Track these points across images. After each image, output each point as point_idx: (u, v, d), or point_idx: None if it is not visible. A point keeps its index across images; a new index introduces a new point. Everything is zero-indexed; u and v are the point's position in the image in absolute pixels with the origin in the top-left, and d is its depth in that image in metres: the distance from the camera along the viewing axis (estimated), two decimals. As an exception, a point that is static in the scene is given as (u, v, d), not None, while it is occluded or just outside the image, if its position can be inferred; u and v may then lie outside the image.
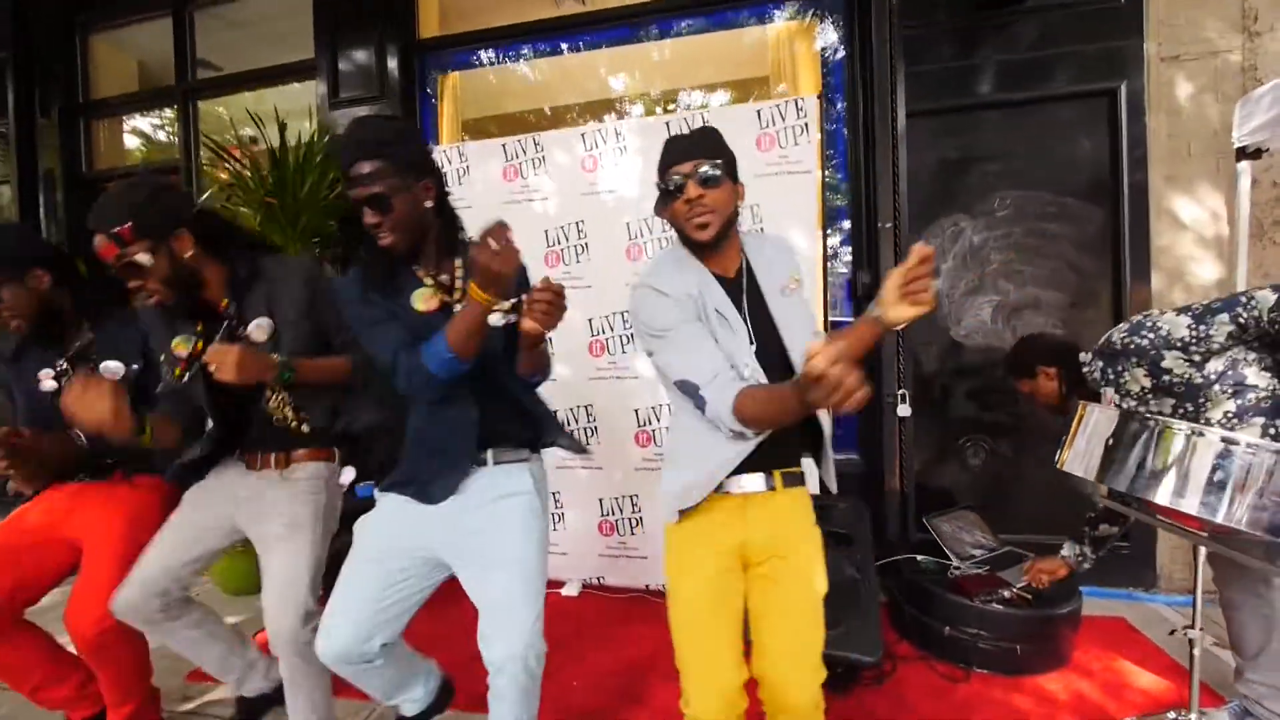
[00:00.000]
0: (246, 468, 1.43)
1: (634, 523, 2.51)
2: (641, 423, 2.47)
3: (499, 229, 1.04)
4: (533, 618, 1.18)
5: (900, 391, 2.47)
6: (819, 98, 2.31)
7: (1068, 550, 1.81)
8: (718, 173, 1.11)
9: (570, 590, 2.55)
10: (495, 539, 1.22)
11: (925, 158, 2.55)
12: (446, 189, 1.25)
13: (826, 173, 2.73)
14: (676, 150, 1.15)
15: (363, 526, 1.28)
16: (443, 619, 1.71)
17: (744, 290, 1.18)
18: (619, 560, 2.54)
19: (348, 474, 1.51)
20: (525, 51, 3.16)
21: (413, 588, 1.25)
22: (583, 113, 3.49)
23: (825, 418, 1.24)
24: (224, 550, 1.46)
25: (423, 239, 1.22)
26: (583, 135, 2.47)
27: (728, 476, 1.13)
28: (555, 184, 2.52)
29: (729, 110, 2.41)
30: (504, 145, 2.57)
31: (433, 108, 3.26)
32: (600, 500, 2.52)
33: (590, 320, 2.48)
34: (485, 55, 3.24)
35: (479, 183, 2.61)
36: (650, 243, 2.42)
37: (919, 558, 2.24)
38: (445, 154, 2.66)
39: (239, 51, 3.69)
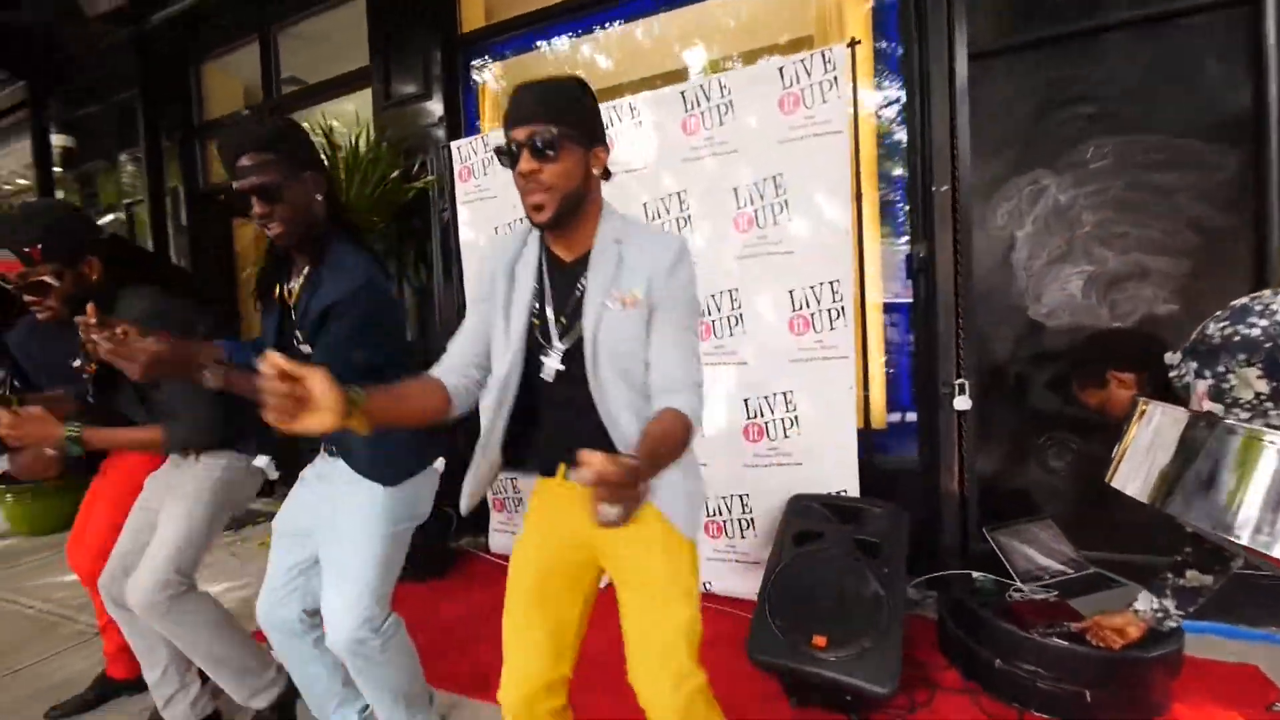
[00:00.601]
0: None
1: (744, 524, 2.31)
2: (752, 414, 2.28)
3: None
4: (356, 603, 1.23)
5: (959, 381, 2.14)
6: (849, 45, 2.01)
7: (1142, 604, 1.45)
8: (554, 141, 0.92)
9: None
10: (335, 521, 1.30)
11: (995, 106, 2.15)
12: (334, 190, 1.29)
13: (881, 130, 2.41)
14: (514, 108, 0.96)
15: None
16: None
17: (574, 284, 1.02)
18: (728, 564, 2.33)
19: (261, 460, 1.57)
20: (562, 34, 3.10)
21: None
22: (621, 91, 3.37)
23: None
24: None
25: (309, 237, 1.24)
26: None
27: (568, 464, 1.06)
28: (573, 167, 2.44)
29: (748, 71, 2.17)
30: (524, 131, 2.53)
31: (477, 101, 3.32)
32: (706, 499, 2.41)
33: (609, 307, 2.39)
34: (525, 41, 3.22)
35: (501, 172, 2.60)
36: (669, 224, 2.27)
37: (975, 575, 1.94)
38: (471, 144, 2.69)
39: (321, 65, 3.99)
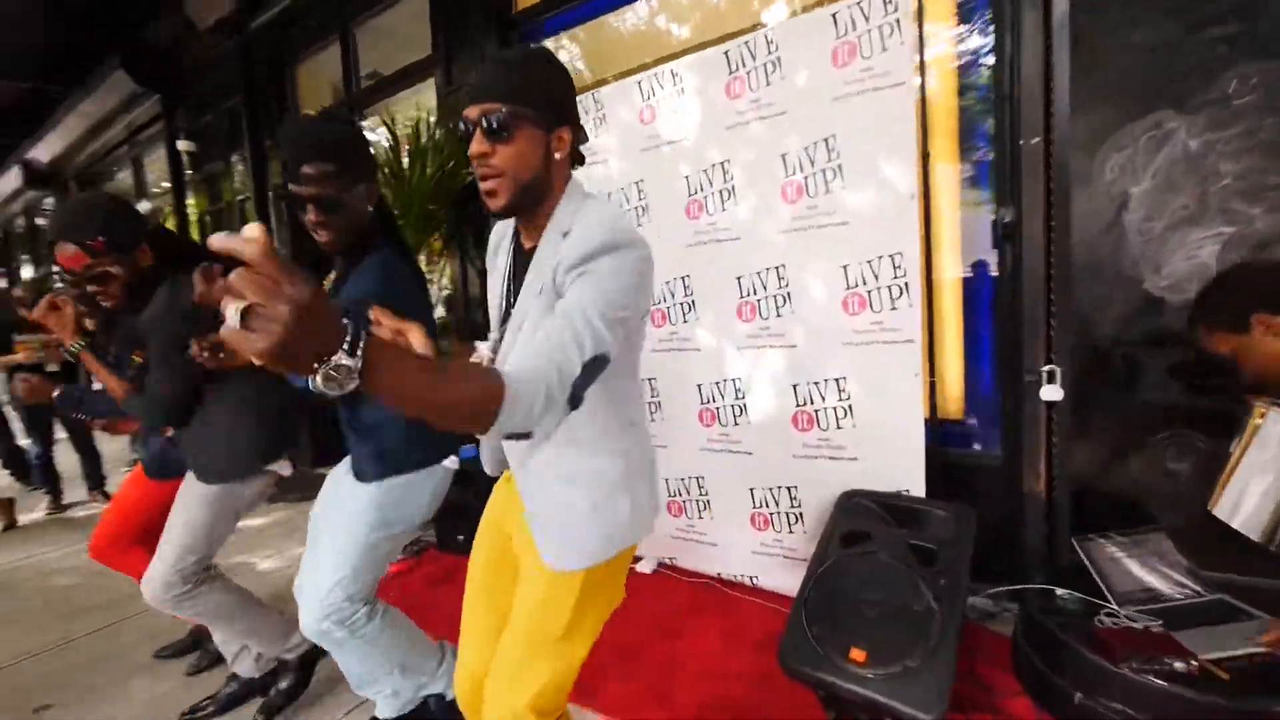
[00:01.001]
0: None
1: (701, 505, 2.32)
2: (704, 399, 2.24)
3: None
4: (325, 596, 1.26)
5: (1048, 368, 1.84)
6: (914, -20, 1.75)
7: None
8: (507, 122, 0.84)
9: (644, 567, 2.47)
10: (327, 512, 1.37)
11: (1103, 37, 1.78)
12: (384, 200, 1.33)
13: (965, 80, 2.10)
14: (471, 84, 0.87)
15: None
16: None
17: (524, 268, 0.95)
18: (689, 543, 2.38)
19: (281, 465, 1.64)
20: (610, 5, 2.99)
21: None
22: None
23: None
24: None
25: (357, 241, 1.29)
26: (639, 83, 2.24)
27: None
28: (617, 142, 2.35)
29: (796, 23, 1.95)
30: (567, 108, 2.47)
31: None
32: (667, 480, 2.37)
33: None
34: (583, 13, 3.14)
35: (548, 151, 2.56)
36: (711, 196, 2.12)
37: (1059, 591, 1.68)
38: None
39: (396, 57, 4.15)
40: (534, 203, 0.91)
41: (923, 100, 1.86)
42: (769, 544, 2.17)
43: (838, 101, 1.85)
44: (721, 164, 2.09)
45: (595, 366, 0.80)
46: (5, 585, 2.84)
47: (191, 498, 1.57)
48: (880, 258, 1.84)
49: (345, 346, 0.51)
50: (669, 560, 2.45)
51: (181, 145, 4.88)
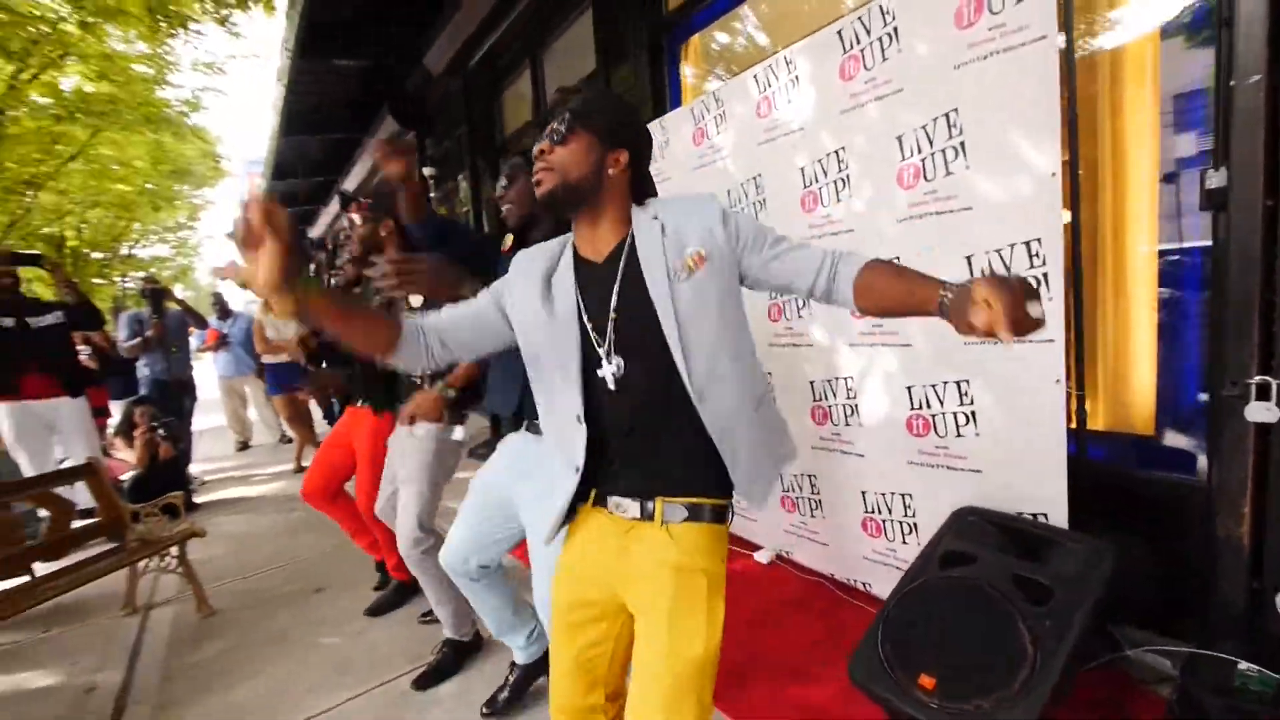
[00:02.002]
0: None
1: (813, 504, 2.27)
2: (817, 396, 2.17)
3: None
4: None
5: (1259, 379, 1.41)
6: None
7: None
8: (566, 128, 0.96)
9: (762, 557, 2.52)
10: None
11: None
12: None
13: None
14: (551, 103, 1.04)
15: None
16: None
17: (614, 281, 0.97)
18: (802, 540, 2.35)
19: (458, 432, 1.96)
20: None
21: (497, 523, 1.57)
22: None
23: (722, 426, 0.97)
24: None
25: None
26: (754, 76, 2.22)
27: (607, 489, 1.02)
28: (734, 138, 2.37)
29: (912, -14, 1.74)
30: (691, 109, 2.55)
31: (679, 80, 3.42)
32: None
33: (765, 282, 2.29)
34: (726, 4, 3.15)
35: (677, 152, 2.68)
36: (826, 187, 2.03)
37: (1241, 665, 1.32)
38: (653, 131, 2.81)
39: (576, 73, 4.63)
40: (576, 203, 0.97)
41: (1069, 49, 1.53)
42: (881, 552, 2.05)
43: (961, 69, 1.63)
44: (836, 152, 1.98)
45: None
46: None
47: (419, 460, 1.91)
48: (1012, 246, 1.59)
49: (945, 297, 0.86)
50: (786, 553, 2.46)
51: (427, 171, 6.10)
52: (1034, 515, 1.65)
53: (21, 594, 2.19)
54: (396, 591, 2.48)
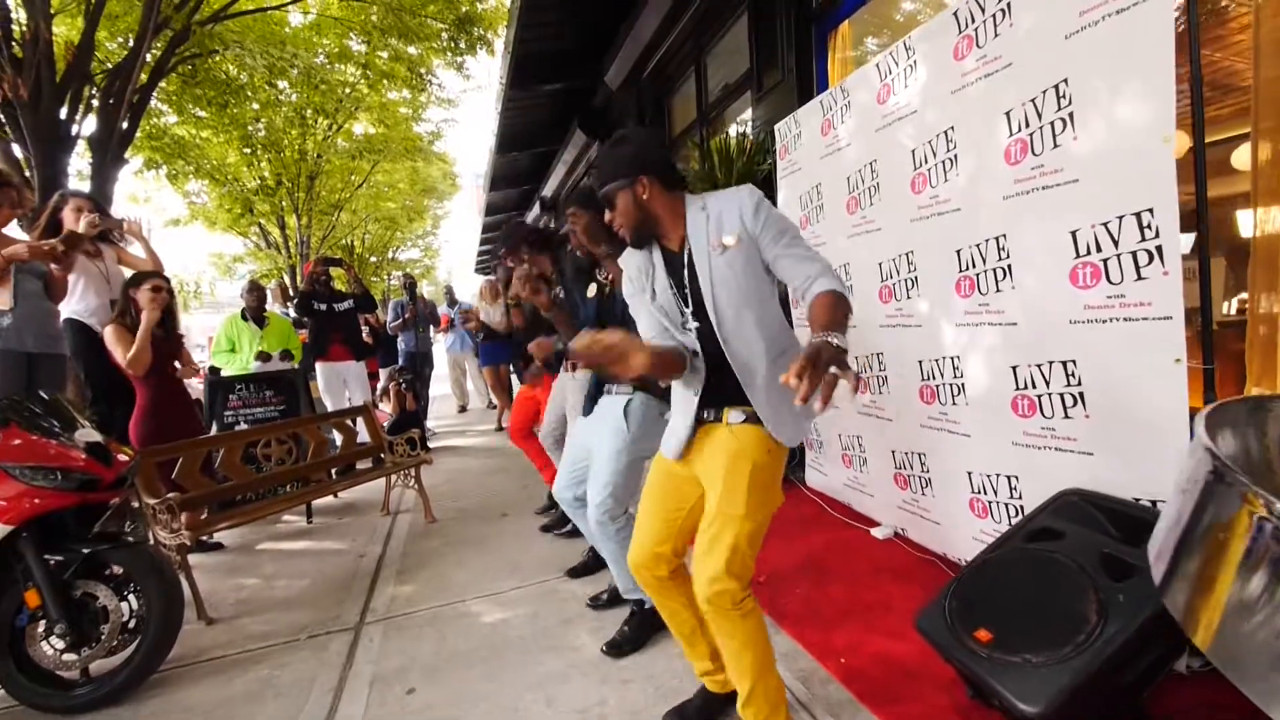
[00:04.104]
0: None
1: (924, 482, 2.30)
2: (925, 376, 2.20)
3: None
4: (603, 489, 1.82)
5: None
6: None
7: None
8: (608, 198, 1.33)
9: (879, 533, 2.59)
10: (597, 441, 1.92)
11: None
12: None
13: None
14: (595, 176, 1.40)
15: None
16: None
17: (684, 263, 1.33)
18: (915, 517, 2.39)
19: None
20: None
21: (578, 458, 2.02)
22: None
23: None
24: None
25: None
26: (877, 65, 2.30)
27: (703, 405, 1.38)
28: (853, 127, 2.46)
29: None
30: (820, 101, 2.68)
31: (827, 73, 3.49)
32: (892, 452, 2.43)
33: (880, 264, 2.36)
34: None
35: (808, 143, 2.83)
36: (934, 168, 2.07)
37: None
38: (788, 124, 2.99)
39: (738, 72, 4.89)
40: (650, 228, 1.35)
41: (1192, 7, 1.41)
42: (989, 533, 2.03)
43: (1071, 39, 1.59)
44: (945, 132, 2.01)
45: None
46: (506, 455, 4.99)
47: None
48: (1121, 218, 1.53)
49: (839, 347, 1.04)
50: (901, 530, 2.50)
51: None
52: (1152, 502, 1.57)
53: (323, 488, 3.26)
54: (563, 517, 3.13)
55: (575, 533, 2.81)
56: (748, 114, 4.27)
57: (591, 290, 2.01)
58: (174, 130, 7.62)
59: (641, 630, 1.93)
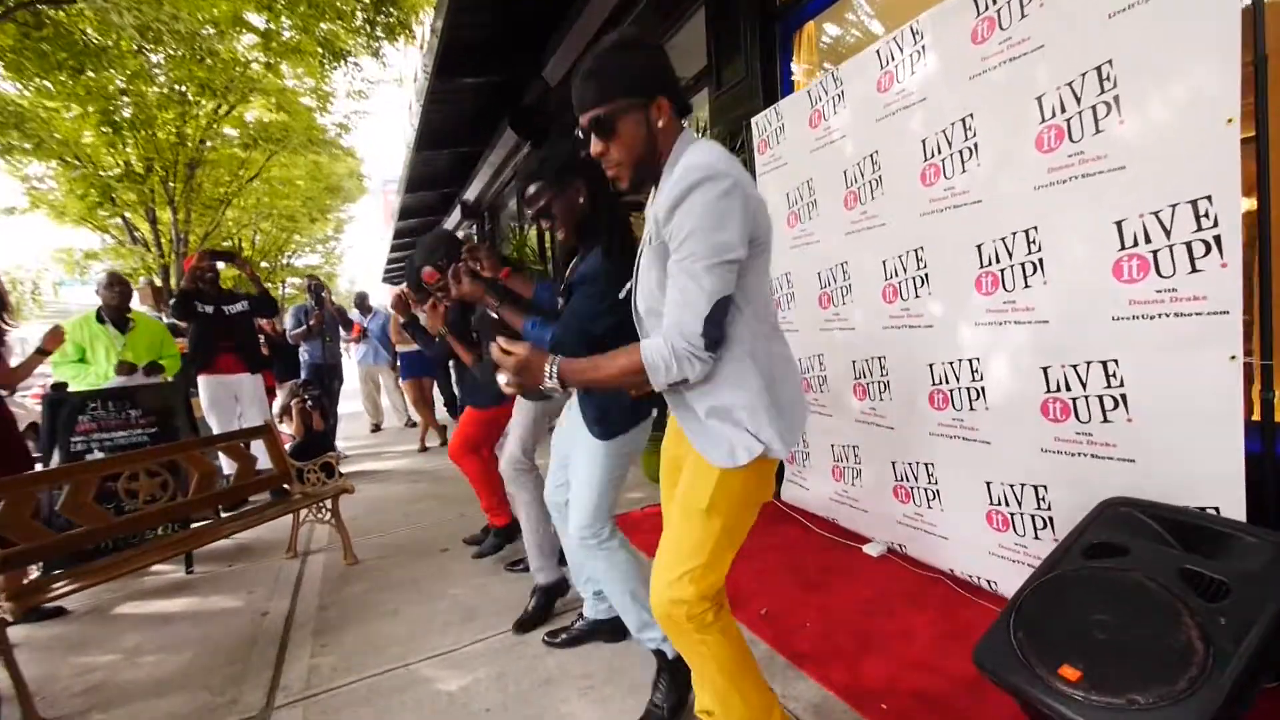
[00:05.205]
0: None
1: (930, 495, 2.15)
2: (936, 380, 2.06)
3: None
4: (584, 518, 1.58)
5: None
6: None
7: None
8: (610, 121, 1.01)
9: (872, 550, 2.42)
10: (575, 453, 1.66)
11: None
12: (600, 183, 1.46)
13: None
14: (574, 96, 1.06)
15: None
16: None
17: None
18: (917, 532, 2.24)
19: None
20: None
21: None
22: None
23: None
24: None
25: (582, 229, 1.57)
26: (878, 51, 2.17)
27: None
28: (850, 117, 2.32)
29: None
30: (808, 91, 2.53)
31: (791, 70, 3.39)
32: (893, 463, 2.27)
33: (884, 262, 2.21)
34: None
35: (791, 138, 2.67)
36: (950, 158, 1.94)
37: None
38: (767, 118, 2.83)
39: (688, 70, 4.73)
40: (653, 171, 1.06)
41: None
42: (1010, 547, 1.90)
43: (1116, 17, 1.50)
44: (962, 120, 1.89)
45: (718, 312, 0.98)
46: (434, 479, 4.43)
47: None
48: (1174, 206, 1.44)
49: (549, 376, 1.04)
50: (898, 546, 2.34)
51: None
52: (1200, 509, 1.47)
53: (210, 531, 2.61)
54: (493, 535, 2.79)
55: (522, 568, 2.44)
56: (704, 112, 4.10)
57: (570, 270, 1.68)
58: (9, 97, 6.29)
59: (676, 687, 1.55)
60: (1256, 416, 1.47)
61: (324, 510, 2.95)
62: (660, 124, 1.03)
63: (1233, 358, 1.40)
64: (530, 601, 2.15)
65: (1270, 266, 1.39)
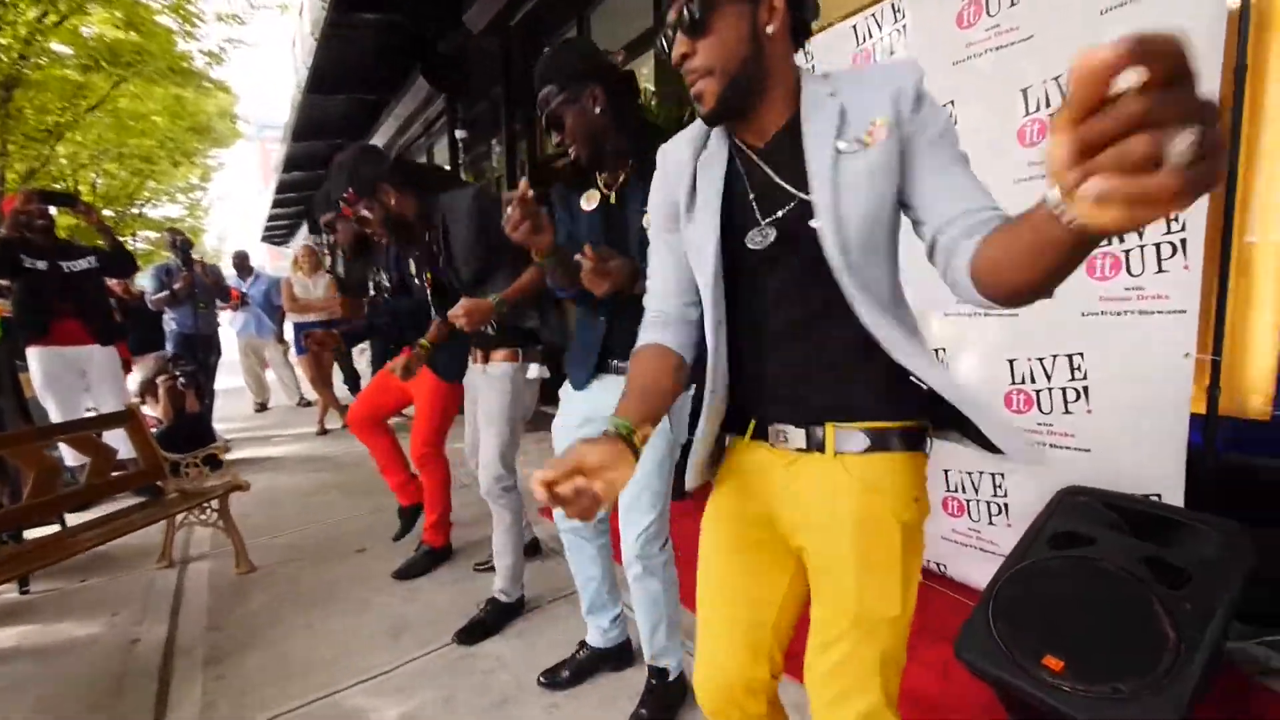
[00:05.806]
0: (472, 361, 1.94)
1: (994, 509, 1.92)
2: (1017, 379, 1.81)
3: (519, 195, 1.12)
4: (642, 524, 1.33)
5: None
6: None
7: None
8: (703, 9, 0.73)
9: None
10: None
11: None
12: (619, 92, 1.28)
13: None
14: None
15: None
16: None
17: (773, 162, 0.79)
18: (968, 550, 2.01)
19: (533, 369, 1.87)
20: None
21: None
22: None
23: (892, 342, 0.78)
24: None
25: (602, 143, 1.29)
26: (854, 27, 2.09)
27: (771, 422, 0.83)
28: (821, 94, 2.23)
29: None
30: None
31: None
32: (946, 471, 2.01)
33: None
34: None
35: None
36: (926, 145, 1.91)
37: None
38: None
39: (625, 35, 4.47)
40: (750, 95, 0.77)
41: None
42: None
43: (1107, 14, 1.51)
44: (945, 106, 1.86)
45: None
46: (338, 467, 3.98)
47: (498, 402, 1.83)
48: (1149, 208, 1.48)
49: None
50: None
51: (458, 134, 5.95)
52: (1148, 496, 1.57)
53: (55, 545, 2.10)
54: (426, 556, 2.42)
55: (488, 568, 2.19)
56: (647, 77, 3.89)
57: (591, 201, 1.41)
58: None
59: (665, 707, 1.42)
60: (1199, 409, 1.57)
61: (210, 511, 2.49)
62: (770, 29, 0.76)
63: (1186, 355, 1.47)
64: (481, 609, 1.93)
65: (1229, 265, 1.48)
